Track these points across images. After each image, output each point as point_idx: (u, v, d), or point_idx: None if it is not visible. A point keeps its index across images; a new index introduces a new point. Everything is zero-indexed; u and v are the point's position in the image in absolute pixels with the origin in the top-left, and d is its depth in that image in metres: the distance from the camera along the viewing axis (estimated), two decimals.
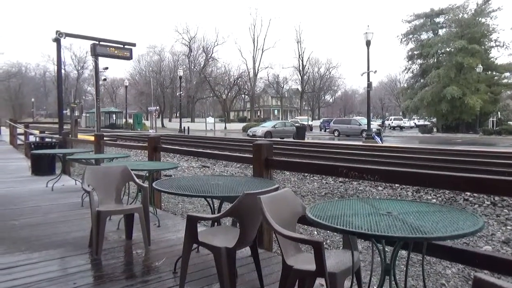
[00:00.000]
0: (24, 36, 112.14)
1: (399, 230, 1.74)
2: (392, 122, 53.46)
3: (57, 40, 11.80)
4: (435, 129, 39.17)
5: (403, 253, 3.89)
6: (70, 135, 10.53)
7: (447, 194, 7.40)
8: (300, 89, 71.64)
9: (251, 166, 3.84)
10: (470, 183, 2.40)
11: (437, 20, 41.99)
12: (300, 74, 70.08)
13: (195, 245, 2.68)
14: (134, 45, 13.18)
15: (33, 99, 70.91)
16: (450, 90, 34.52)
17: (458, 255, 2.34)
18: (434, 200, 7.25)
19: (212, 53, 68.42)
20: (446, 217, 1.95)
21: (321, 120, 55.63)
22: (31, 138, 12.37)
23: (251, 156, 3.75)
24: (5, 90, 68.82)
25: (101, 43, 12.24)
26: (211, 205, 3.10)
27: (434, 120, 41.49)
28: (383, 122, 49.72)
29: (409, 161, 10.70)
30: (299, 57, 68.96)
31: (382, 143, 21.86)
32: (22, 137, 15.47)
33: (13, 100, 72.66)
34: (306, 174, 9.72)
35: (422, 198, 7.48)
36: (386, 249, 2.06)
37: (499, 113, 37.83)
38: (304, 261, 2.15)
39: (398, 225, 1.81)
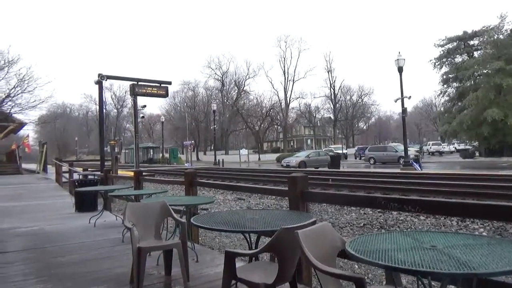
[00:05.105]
0: (68, 79, 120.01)
1: (446, 266, 1.66)
2: (430, 148, 51.65)
3: (99, 83, 12.56)
4: (477, 153, 37.44)
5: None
6: (111, 172, 10.95)
7: (496, 223, 6.97)
8: (332, 117, 71.29)
9: (287, 198, 3.83)
10: None
11: (471, 42, 41.10)
12: (332, 102, 70.04)
13: (233, 281, 2.67)
14: (170, 83, 13.80)
15: (76, 138, 74.88)
16: (490, 112, 33.23)
17: None
18: (482, 230, 6.85)
19: (244, 86, 70.22)
20: (496, 250, 1.85)
21: (355, 148, 54.70)
22: (75, 176, 12.96)
23: (287, 188, 3.75)
24: (52, 131, 73.18)
25: (139, 83, 12.90)
26: (248, 240, 3.10)
27: (476, 144, 39.76)
28: (421, 148, 48.09)
29: (453, 189, 10.24)
30: (331, 86, 69.22)
31: (421, 170, 21.09)
32: (67, 175, 16.22)
33: (58, 139, 77.05)
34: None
35: (468, 227, 7.08)
36: (433, 283, 1.97)
37: None
38: None
39: (444, 260, 1.73)
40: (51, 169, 24.30)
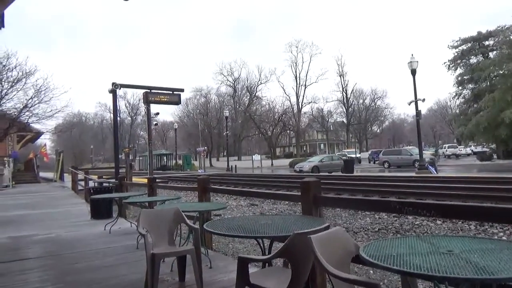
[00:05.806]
0: (83, 89, 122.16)
1: (463, 271, 1.62)
2: (446, 150, 50.79)
3: (113, 91, 12.76)
4: (495, 156, 36.64)
5: None
6: (125, 179, 11.07)
7: None
8: (345, 121, 70.84)
9: (300, 203, 3.81)
10: None
11: (486, 43, 40.47)
12: (344, 106, 69.63)
13: (246, 287, 2.65)
14: (182, 90, 13.92)
15: (92, 146, 76.04)
16: (508, 113, 32.49)
17: None
18: (501, 234, 6.69)
19: (256, 92, 70.44)
20: None
21: (369, 152, 54.16)
22: (91, 184, 13.13)
23: (299, 194, 3.73)
24: (68, 139, 74.46)
25: (152, 91, 13.04)
26: (262, 245, 3.08)
27: (493, 146, 38.94)
28: (436, 151, 47.34)
29: (471, 192, 10.02)
30: (343, 90, 68.87)
31: (437, 173, 20.75)
32: (82, 183, 16.45)
33: (74, 148, 78.33)
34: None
35: (486, 231, 6.92)
36: None
37: None
38: None
39: (461, 265, 1.69)
40: (68, 177, 24.69)
